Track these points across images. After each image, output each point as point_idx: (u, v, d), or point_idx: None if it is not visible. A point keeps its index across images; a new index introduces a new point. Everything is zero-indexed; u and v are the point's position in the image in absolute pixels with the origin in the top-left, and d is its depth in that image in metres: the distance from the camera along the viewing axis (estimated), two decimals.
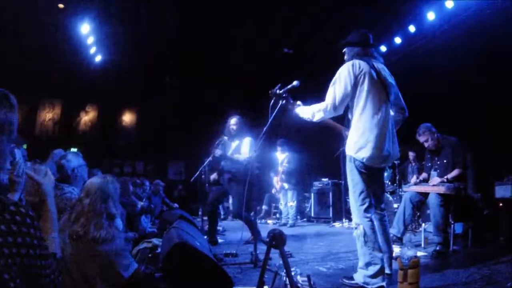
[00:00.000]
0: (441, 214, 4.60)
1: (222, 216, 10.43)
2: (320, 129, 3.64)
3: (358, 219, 3.15)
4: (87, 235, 2.59)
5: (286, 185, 8.60)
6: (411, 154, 7.82)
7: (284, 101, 3.48)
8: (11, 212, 1.08)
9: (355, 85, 3.13)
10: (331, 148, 7.07)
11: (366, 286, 3.10)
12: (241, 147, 5.61)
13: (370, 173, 3.19)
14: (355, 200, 3.18)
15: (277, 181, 8.76)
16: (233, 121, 5.74)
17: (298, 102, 3.47)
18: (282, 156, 8.51)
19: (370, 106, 3.13)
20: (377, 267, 3.06)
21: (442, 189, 4.68)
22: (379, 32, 9.51)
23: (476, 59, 7.15)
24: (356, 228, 3.17)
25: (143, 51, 11.08)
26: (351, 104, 3.21)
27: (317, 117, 3.26)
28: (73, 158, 3.48)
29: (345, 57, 3.44)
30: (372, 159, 3.10)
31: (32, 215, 1.14)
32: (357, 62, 3.18)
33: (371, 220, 3.13)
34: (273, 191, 9.11)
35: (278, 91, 3.50)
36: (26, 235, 1.10)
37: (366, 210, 3.13)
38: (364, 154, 3.09)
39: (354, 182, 3.19)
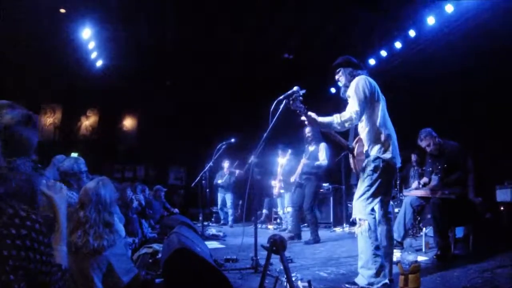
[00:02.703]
0: (442, 218, 4.60)
1: (222, 221, 10.38)
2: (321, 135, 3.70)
3: (364, 215, 3.30)
4: (87, 245, 2.58)
5: (282, 190, 8.61)
6: (413, 158, 7.81)
7: (301, 111, 3.54)
8: (21, 218, 1.09)
9: (372, 96, 3.42)
10: (332, 153, 7.08)
11: (371, 287, 3.16)
12: (318, 153, 6.61)
13: (391, 172, 3.47)
14: (366, 197, 3.35)
15: (275, 185, 8.75)
16: (307, 130, 6.71)
17: (313, 114, 3.54)
18: (283, 161, 8.49)
19: (385, 115, 3.51)
20: (378, 263, 3.18)
21: (443, 193, 4.68)
22: (380, 36, 9.55)
23: (476, 62, 7.16)
24: (359, 224, 3.31)
25: (144, 55, 11.09)
26: (370, 113, 3.46)
27: (347, 126, 3.46)
28: (74, 163, 3.49)
29: (341, 77, 3.69)
30: (395, 158, 3.43)
31: (41, 221, 1.15)
32: (368, 77, 3.51)
33: (375, 218, 3.31)
34: (274, 194, 9.08)
35: (299, 98, 3.55)
36: (35, 241, 1.11)
37: (372, 209, 3.32)
38: (389, 154, 3.38)
39: (372, 180, 3.36)
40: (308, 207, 6.53)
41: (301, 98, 3.54)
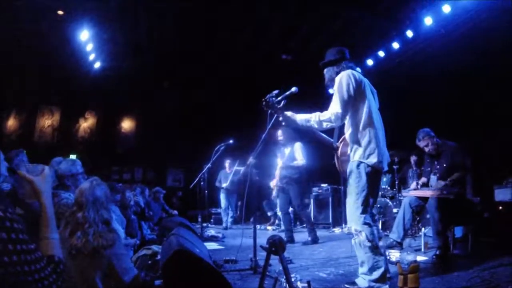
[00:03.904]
0: (441, 218, 4.60)
1: (224, 224, 10.31)
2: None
3: (359, 226, 3.16)
4: (86, 246, 2.57)
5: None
6: (412, 159, 7.82)
7: (276, 112, 3.43)
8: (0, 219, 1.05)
9: (357, 93, 3.21)
10: (329, 153, 7.10)
11: None
12: (294, 154, 6.42)
13: (377, 177, 3.29)
14: (357, 207, 3.19)
15: (273, 186, 8.74)
16: (279, 133, 6.53)
17: (289, 113, 3.40)
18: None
19: (371, 113, 3.25)
20: (381, 270, 3.10)
21: (441, 193, 4.69)
22: (377, 37, 9.58)
23: (473, 62, 7.19)
24: (356, 235, 3.18)
25: (142, 57, 11.10)
26: (353, 112, 3.26)
27: (325, 126, 3.27)
28: (71, 165, 3.49)
29: (326, 76, 3.56)
30: (381, 162, 3.21)
31: (19, 219, 1.11)
32: (354, 72, 3.29)
33: (370, 226, 3.16)
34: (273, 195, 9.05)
35: (270, 99, 3.40)
36: (16, 242, 1.07)
37: (365, 217, 3.17)
38: (375, 159, 3.17)
39: (359, 188, 3.20)
40: (300, 208, 6.45)
41: (273, 99, 3.40)
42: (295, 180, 6.39)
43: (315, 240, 6.36)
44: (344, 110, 3.19)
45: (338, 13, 8.78)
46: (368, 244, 3.11)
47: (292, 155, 6.45)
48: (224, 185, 10.05)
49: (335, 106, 3.21)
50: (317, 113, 3.25)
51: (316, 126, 3.27)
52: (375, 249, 3.12)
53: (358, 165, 3.21)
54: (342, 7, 8.48)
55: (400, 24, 8.79)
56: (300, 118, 3.33)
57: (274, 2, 8.55)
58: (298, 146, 6.47)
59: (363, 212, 3.17)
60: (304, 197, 6.81)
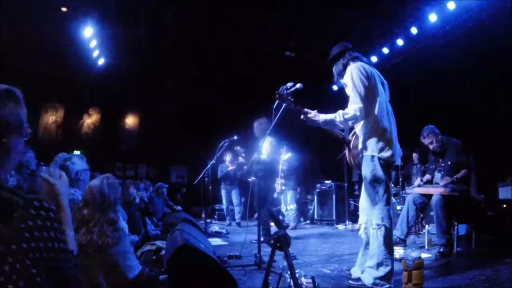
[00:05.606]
0: (444, 215, 4.60)
1: (228, 221, 10.31)
2: (321, 131, 3.56)
3: (382, 219, 3.10)
4: (90, 244, 2.58)
5: (284, 187, 8.58)
6: (415, 156, 7.80)
7: (290, 105, 3.33)
8: (35, 208, 1.09)
9: (369, 86, 3.16)
10: (334, 150, 7.08)
11: (374, 287, 3.09)
12: (262, 148, 6.04)
13: (390, 171, 3.27)
14: (379, 199, 3.14)
15: (278, 183, 8.73)
16: (255, 126, 6.23)
17: (313, 113, 3.30)
18: (285, 158, 8.46)
19: (383, 106, 3.19)
20: (388, 268, 3.07)
21: (445, 191, 4.68)
22: (381, 34, 9.55)
23: (478, 60, 7.17)
24: (376, 229, 3.11)
25: (146, 54, 11.09)
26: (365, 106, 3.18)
27: (350, 124, 3.23)
28: (78, 161, 3.50)
29: (334, 72, 3.50)
30: (394, 156, 3.15)
31: (55, 209, 1.16)
32: (362, 64, 3.24)
33: (391, 220, 3.14)
34: (275, 195, 9.04)
35: (284, 92, 3.34)
36: (51, 229, 1.11)
37: (389, 209, 3.13)
38: (388, 153, 3.12)
39: (378, 182, 3.14)
40: (259, 204, 5.86)
41: (286, 91, 3.31)
42: (260, 177, 5.93)
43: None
44: (365, 103, 3.12)
45: (342, 9, 8.74)
46: (386, 239, 3.08)
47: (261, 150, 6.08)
48: (230, 168, 9.75)
49: (356, 101, 3.14)
50: (340, 113, 3.16)
51: (341, 126, 3.24)
52: (389, 246, 3.10)
53: (372, 159, 3.15)
54: (346, 3, 8.44)
55: (404, 21, 8.75)
56: (324, 118, 3.23)
57: (275, 3, 8.53)
58: (267, 141, 6.08)
59: (386, 203, 3.13)
60: (264, 197, 6.29)
